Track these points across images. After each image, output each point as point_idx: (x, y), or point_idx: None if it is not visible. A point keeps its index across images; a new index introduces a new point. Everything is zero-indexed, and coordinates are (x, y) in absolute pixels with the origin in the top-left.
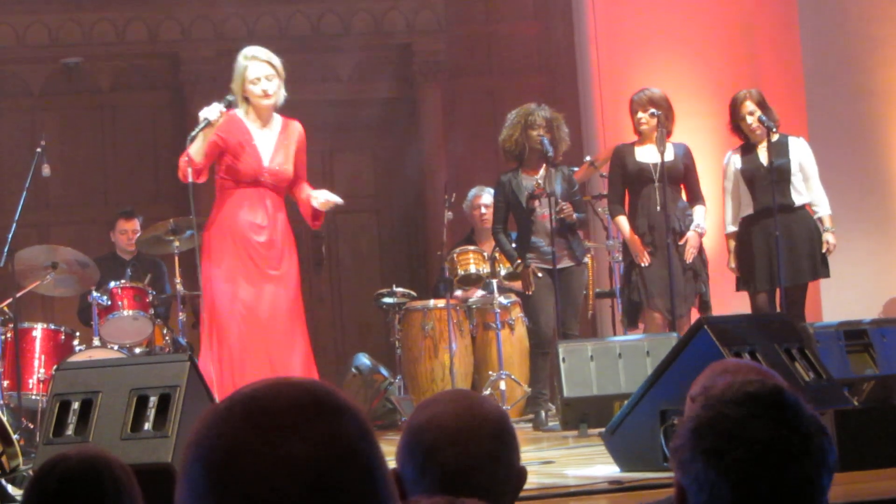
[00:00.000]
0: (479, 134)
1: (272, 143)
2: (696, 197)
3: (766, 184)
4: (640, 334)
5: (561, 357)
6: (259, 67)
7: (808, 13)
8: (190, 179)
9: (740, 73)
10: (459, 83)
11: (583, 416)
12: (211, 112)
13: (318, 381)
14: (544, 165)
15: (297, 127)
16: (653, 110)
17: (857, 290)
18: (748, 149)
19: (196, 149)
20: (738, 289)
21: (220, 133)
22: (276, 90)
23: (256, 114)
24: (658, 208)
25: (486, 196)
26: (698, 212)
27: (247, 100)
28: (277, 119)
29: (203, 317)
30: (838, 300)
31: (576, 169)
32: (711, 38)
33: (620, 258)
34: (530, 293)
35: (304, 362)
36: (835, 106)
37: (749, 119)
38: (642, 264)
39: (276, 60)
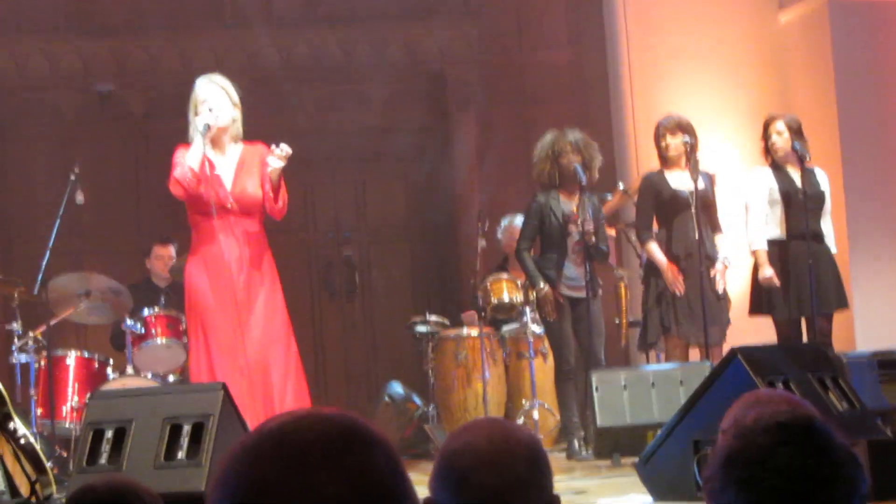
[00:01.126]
0: (512, 162)
1: (232, 168)
2: (716, 226)
3: (800, 209)
4: (674, 363)
5: (594, 386)
6: (209, 89)
7: (841, 40)
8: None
9: (773, 100)
10: (492, 111)
11: (616, 445)
12: (209, 118)
13: (346, 414)
14: (578, 191)
15: (257, 148)
16: (685, 137)
17: (891, 319)
18: (778, 169)
19: (199, 158)
20: (751, 312)
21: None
22: (225, 112)
23: (212, 141)
24: (696, 236)
25: None
26: (721, 242)
27: None
28: (237, 146)
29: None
30: (872, 329)
31: (609, 196)
32: (744, 65)
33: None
34: (552, 319)
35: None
36: (868, 133)
37: (775, 138)
38: (678, 293)
39: (231, 87)
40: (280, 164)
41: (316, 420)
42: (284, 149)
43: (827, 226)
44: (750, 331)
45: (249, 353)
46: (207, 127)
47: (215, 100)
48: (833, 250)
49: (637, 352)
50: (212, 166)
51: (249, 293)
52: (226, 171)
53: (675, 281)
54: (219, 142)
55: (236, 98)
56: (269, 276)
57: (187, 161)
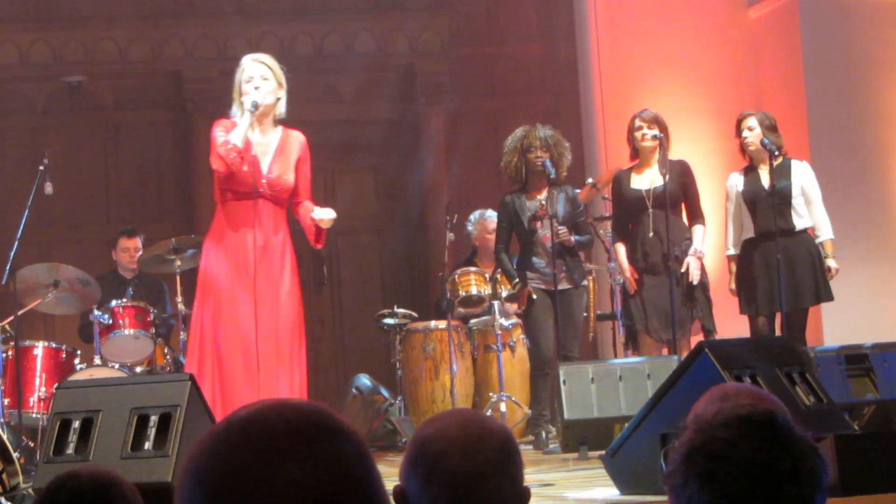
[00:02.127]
0: (481, 155)
1: (271, 151)
2: (695, 215)
3: (766, 207)
4: (641, 357)
5: (562, 379)
6: (256, 67)
7: (810, 37)
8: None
9: (743, 96)
10: (462, 104)
11: (583, 438)
12: (257, 96)
13: (315, 403)
14: (547, 186)
15: (298, 136)
16: (657, 133)
17: (858, 314)
18: (750, 171)
19: (244, 136)
20: (741, 312)
21: None
22: (271, 91)
23: (255, 120)
24: (651, 234)
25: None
26: (697, 232)
27: (242, 106)
28: (278, 129)
29: (193, 329)
30: (839, 324)
31: (578, 191)
32: (714, 61)
33: (621, 280)
34: (521, 311)
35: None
36: (837, 129)
37: (745, 133)
38: (630, 292)
39: (276, 66)
40: (327, 225)
41: (285, 410)
42: (326, 217)
43: (815, 214)
44: (731, 327)
45: (261, 338)
46: (256, 105)
47: (262, 78)
48: (828, 236)
49: (610, 346)
50: (249, 146)
51: (270, 279)
52: (264, 151)
53: (629, 282)
54: (261, 122)
55: (282, 78)
56: (290, 265)
57: (232, 138)
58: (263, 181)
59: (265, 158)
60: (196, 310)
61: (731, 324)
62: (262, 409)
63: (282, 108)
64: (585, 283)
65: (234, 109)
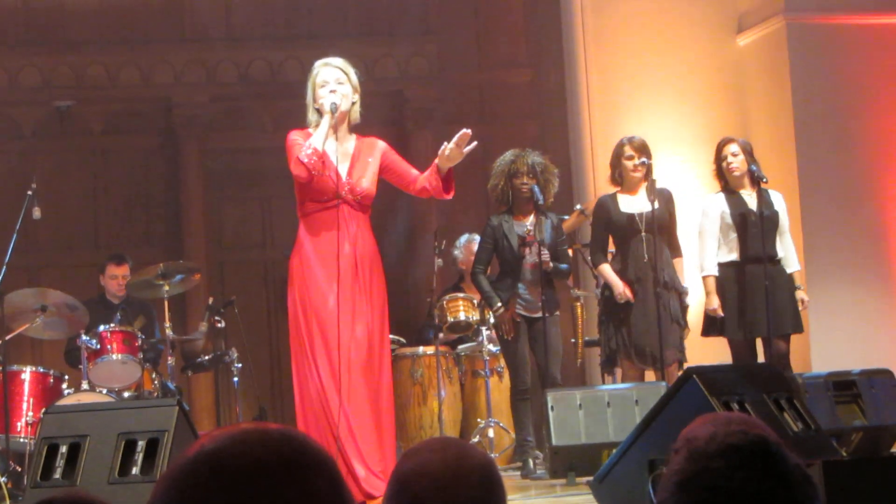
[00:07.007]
0: (469, 180)
1: (349, 157)
2: (675, 248)
3: (756, 231)
4: (629, 383)
5: (549, 405)
6: (330, 72)
7: (798, 63)
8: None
9: (731, 122)
10: (451, 130)
11: (571, 464)
12: (336, 97)
13: (288, 434)
14: (534, 212)
15: (375, 142)
16: (644, 159)
17: (846, 340)
18: (732, 193)
19: (324, 139)
20: (704, 334)
21: None
22: (346, 96)
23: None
24: (645, 259)
25: None
26: (678, 267)
27: (318, 112)
28: (353, 136)
29: (295, 345)
30: (827, 350)
31: (566, 217)
32: (703, 87)
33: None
34: (509, 338)
35: (386, 408)
36: (825, 155)
37: (730, 159)
38: (621, 300)
39: (351, 70)
40: (460, 157)
41: (255, 443)
42: (451, 146)
43: (787, 244)
44: (707, 351)
45: (352, 352)
46: (336, 107)
47: (337, 82)
48: (797, 268)
49: (598, 371)
50: (326, 152)
51: (359, 285)
52: (342, 157)
53: (624, 292)
54: (337, 127)
55: (356, 82)
56: (378, 278)
57: (313, 142)
58: (346, 187)
59: (344, 164)
60: (294, 330)
61: (704, 347)
62: (231, 442)
63: (356, 114)
64: (557, 313)
65: (311, 116)
